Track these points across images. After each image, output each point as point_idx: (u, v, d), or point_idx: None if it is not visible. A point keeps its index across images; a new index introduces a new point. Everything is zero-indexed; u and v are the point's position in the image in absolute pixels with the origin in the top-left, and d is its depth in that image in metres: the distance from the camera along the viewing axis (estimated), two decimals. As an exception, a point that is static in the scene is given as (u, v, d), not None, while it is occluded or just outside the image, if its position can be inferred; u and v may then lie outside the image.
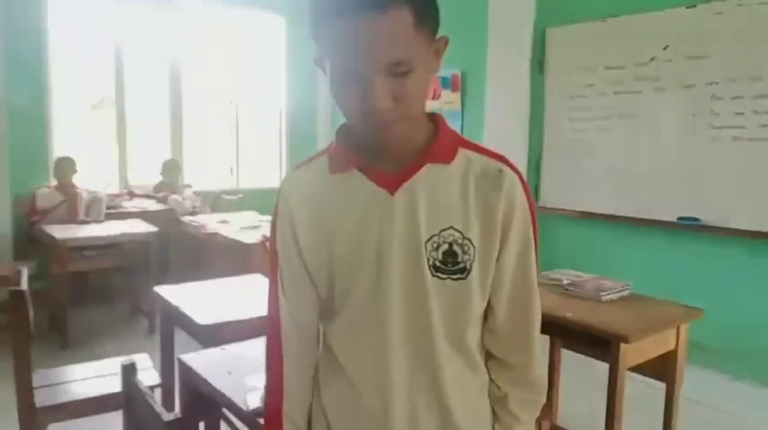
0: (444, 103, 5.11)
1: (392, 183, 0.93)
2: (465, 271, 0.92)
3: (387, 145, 0.90)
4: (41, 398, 2.16)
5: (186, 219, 4.77)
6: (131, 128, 5.58)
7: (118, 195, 5.25)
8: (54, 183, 4.81)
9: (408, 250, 0.91)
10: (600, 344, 2.18)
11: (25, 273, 2.47)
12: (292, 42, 6.19)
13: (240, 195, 5.60)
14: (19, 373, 2.06)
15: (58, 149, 5.07)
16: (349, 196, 0.94)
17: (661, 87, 3.67)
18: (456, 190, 0.93)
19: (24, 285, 2.17)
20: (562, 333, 2.43)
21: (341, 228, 0.93)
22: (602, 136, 4.01)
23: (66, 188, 4.69)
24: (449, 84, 5.06)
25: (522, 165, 4.49)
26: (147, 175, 5.56)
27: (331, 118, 6.42)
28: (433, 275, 0.92)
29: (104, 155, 5.55)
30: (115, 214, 4.79)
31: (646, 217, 3.80)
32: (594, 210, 4.09)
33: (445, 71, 5.05)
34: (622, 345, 2.10)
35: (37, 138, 4.95)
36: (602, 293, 2.43)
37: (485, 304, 0.98)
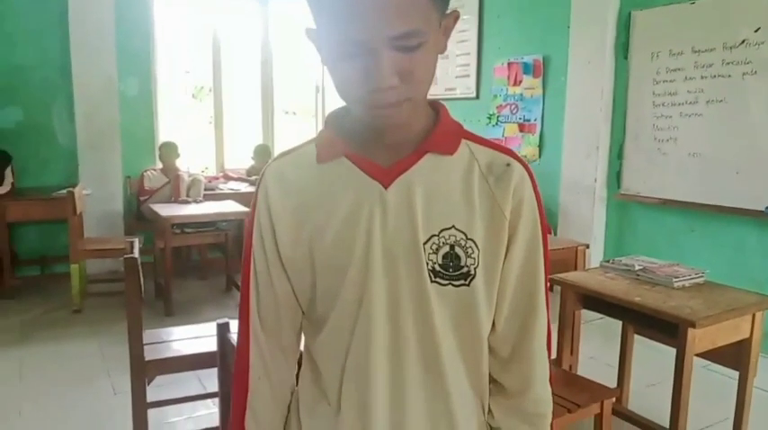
0: (525, 89, 5.11)
1: (386, 174, 0.82)
2: (468, 276, 0.81)
3: (385, 131, 0.81)
4: (150, 353, 2.46)
5: (275, 200, 5.08)
6: (227, 115, 5.97)
7: (215, 178, 5.66)
8: (159, 165, 5.27)
9: (404, 252, 0.80)
10: (669, 329, 2.21)
11: (137, 244, 2.81)
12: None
13: (325, 179, 5.89)
14: (132, 331, 2.36)
15: (163, 135, 5.54)
16: (336, 188, 0.82)
17: (752, 71, 3.52)
18: (458, 185, 0.82)
19: (136, 253, 2.48)
20: (633, 318, 2.47)
21: (325, 223, 0.82)
22: (688, 121, 3.90)
23: (169, 170, 5.13)
24: (530, 69, 5.04)
25: (603, 152, 4.45)
26: (240, 160, 5.96)
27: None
28: (432, 281, 0.80)
29: (203, 140, 5.99)
30: (212, 195, 5.18)
31: (731, 205, 3.67)
32: (677, 198, 3.99)
33: (527, 56, 5.05)
34: (690, 330, 2.12)
35: (145, 124, 5.42)
36: (675, 279, 2.43)
37: (492, 317, 0.85)
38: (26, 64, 4.90)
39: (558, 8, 4.68)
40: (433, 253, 0.80)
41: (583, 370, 2.81)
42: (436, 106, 0.88)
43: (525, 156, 5.14)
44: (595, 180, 4.48)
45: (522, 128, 5.20)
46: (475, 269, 0.81)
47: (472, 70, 5.67)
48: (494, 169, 0.84)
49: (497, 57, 5.35)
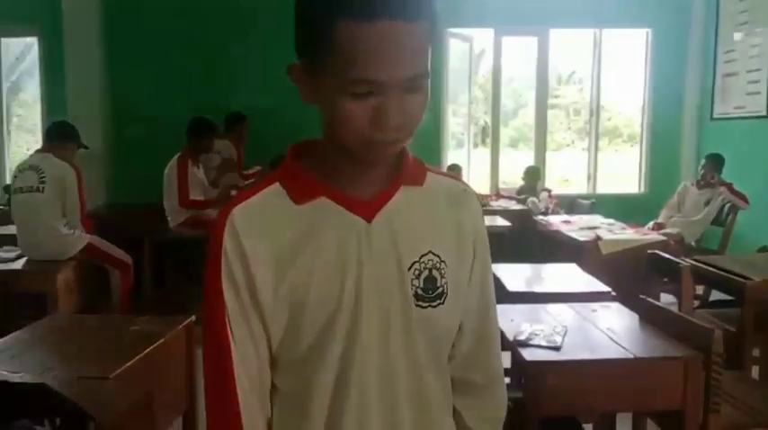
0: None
1: (369, 209, 0.85)
2: (443, 295, 0.87)
3: (370, 167, 0.85)
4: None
5: (538, 218, 5.56)
6: (504, 140, 6.69)
7: (488, 196, 6.39)
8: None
9: (391, 280, 0.85)
10: None
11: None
12: (657, 52, 6.37)
13: (593, 200, 6.11)
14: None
15: (451, 158, 6.55)
16: (319, 228, 0.84)
17: None
18: (429, 212, 0.90)
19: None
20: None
21: (311, 265, 0.82)
22: None
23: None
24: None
25: None
26: (513, 180, 6.61)
27: (696, 122, 6.30)
28: (415, 305, 0.86)
29: (483, 163, 6.83)
30: (484, 211, 5.90)
31: None
32: None
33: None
34: None
35: (435, 152, 6.47)
36: None
37: (457, 328, 0.94)
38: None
39: None
40: (416, 278, 0.86)
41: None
42: None
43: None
44: None
45: (818, 148, 4.71)
46: (447, 288, 0.88)
47: (763, 87, 5.31)
48: (454, 195, 0.93)
49: (790, 70, 4.94)
